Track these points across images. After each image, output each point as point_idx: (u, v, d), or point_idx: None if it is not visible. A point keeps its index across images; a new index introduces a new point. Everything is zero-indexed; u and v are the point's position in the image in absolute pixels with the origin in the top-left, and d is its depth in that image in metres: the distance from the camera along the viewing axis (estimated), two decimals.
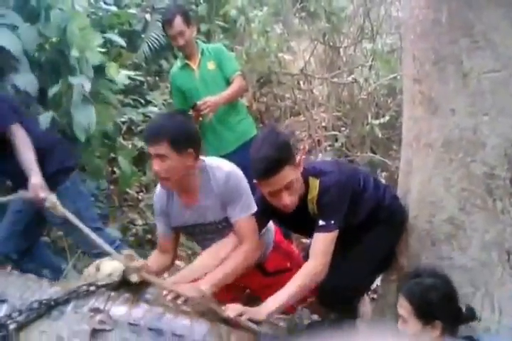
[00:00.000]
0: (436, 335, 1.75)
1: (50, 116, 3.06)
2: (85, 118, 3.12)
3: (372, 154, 4.39)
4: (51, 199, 2.39)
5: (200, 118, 3.40)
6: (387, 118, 4.26)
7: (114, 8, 4.68)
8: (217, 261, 2.14)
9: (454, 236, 2.05)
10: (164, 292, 1.92)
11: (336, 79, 5.12)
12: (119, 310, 1.76)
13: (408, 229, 2.26)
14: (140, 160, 4.30)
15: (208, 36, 5.58)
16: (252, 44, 4.95)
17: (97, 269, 1.92)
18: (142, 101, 5.20)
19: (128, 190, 4.32)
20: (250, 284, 2.45)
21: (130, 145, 4.47)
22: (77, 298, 1.79)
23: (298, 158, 2.12)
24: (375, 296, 2.77)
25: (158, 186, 2.27)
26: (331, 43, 5.22)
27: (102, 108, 3.50)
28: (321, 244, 2.10)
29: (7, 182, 3.12)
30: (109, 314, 1.74)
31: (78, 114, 3.10)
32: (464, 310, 1.82)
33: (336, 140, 4.77)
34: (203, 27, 5.54)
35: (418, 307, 1.76)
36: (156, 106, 5.19)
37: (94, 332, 1.69)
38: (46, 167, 2.62)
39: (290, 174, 2.02)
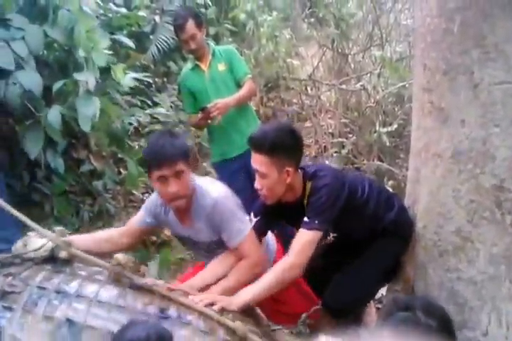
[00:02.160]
0: None
1: (58, 110, 3.06)
2: (89, 110, 3.14)
3: (379, 162, 4.37)
4: None
5: (209, 121, 3.39)
6: (394, 126, 4.24)
7: (123, 10, 4.70)
8: (222, 273, 2.14)
9: (461, 248, 2.03)
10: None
11: (343, 86, 5.11)
12: (31, 275, 1.86)
13: (415, 240, 2.24)
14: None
15: (217, 39, 5.59)
16: (260, 48, 4.95)
17: (24, 245, 1.98)
18: (150, 102, 5.22)
19: (134, 190, 4.34)
20: None
21: (137, 147, 4.49)
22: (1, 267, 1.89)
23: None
24: (379, 306, 2.75)
25: (154, 195, 2.30)
26: (340, 49, 5.21)
27: (109, 106, 3.51)
28: (301, 240, 2.09)
29: None
30: (20, 278, 1.84)
31: (83, 107, 3.12)
32: None
33: (343, 147, 4.75)
34: (212, 30, 5.57)
35: None
36: (163, 107, 5.20)
37: (5, 293, 1.79)
38: None
39: (262, 164, 2.08)
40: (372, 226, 2.28)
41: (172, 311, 1.80)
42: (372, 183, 2.42)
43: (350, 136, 4.96)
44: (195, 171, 4.78)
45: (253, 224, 2.26)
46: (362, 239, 2.28)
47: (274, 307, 2.32)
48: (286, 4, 5.40)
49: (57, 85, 3.11)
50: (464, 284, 2.02)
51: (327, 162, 4.46)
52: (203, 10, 5.56)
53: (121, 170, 4.33)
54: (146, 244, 3.83)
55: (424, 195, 2.20)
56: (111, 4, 4.61)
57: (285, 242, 2.42)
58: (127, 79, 3.91)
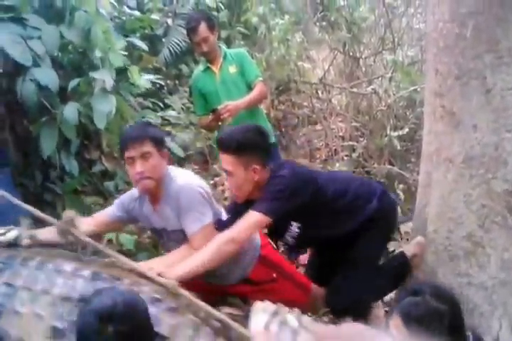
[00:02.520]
0: None
1: (75, 106, 3.09)
2: (105, 107, 3.16)
3: (389, 166, 4.36)
4: None
5: (220, 123, 3.40)
6: (406, 130, 4.22)
7: (137, 13, 4.74)
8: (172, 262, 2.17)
9: (472, 253, 2.03)
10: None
11: (354, 90, 5.10)
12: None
13: (426, 244, 2.24)
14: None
15: (228, 42, 5.61)
16: (272, 51, 4.96)
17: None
18: (161, 104, 5.24)
19: None
20: (239, 294, 2.47)
21: None
22: None
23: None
24: (387, 309, 2.75)
25: (132, 190, 2.41)
26: (351, 53, 5.20)
27: (123, 106, 3.53)
28: (247, 219, 2.11)
29: None
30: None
31: (98, 104, 3.14)
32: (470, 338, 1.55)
33: (354, 150, 4.74)
34: (224, 33, 5.59)
35: (413, 332, 1.47)
36: (174, 109, 5.23)
37: None
38: None
39: (229, 163, 2.16)
40: (354, 218, 2.31)
41: (105, 275, 1.89)
42: (350, 179, 2.50)
43: (361, 139, 4.95)
44: (205, 173, 4.82)
45: (225, 220, 2.34)
46: (347, 231, 2.31)
47: (250, 289, 2.38)
48: (298, 8, 5.40)
49: (72, 83, 3.14)
50: (474, 289, 2.02)
51: (337, 165, 4.45)
52: (215, 13, 5.58)
53: None
54: (156, 245, 3.85)
55: (435, 200, 2.21)
56: (125, 7, 4.65)
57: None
58: (143, 80, 3.94)
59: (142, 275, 1.92)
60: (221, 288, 2.40)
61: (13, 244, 2.17)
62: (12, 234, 2.19)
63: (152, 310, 1.79)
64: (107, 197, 3.95)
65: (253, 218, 2.11)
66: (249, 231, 2.13)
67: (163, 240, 2.46)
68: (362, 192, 2.35)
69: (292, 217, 2.27)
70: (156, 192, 2.29)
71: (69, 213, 2.13)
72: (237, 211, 2.31)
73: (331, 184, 2.32)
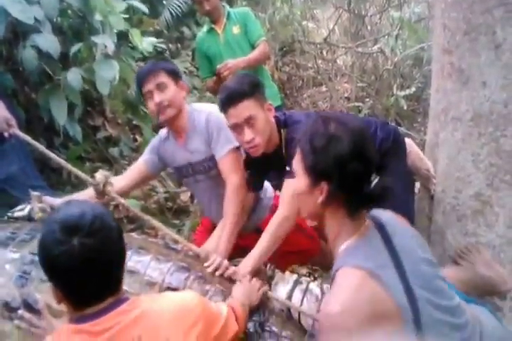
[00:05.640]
0: (320, 201, 1.35)
1: (77, 72, 3.04)
2: (108, 73, 3.12)
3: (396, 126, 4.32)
4: None
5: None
6: (412, 89, 4.17)
7: None
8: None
9: (480, 213, 2.01)
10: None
11: (360, 49, 5.01)
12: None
13: (434, 204, 2.23)
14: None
15: (231, 2, 5.48)
16: (275, 11, 4.85)
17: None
18: None
19: None
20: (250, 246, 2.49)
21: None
22: None
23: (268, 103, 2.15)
24: None
25: (160, 132, 2.53)
26: (356, 11, 5.09)
27: (126, 71, 3.48)
28: (287, 190, 2.10)
29: None
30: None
31: (101, 70, 3.10)
32: (372, 186, 1.36)
33: (360, 111, 4.69)
34: None
35: (305, 161, 1.36)
36: None
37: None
38: None
39: (250, 108, 2.05)
40: None
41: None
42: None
43: (367, 100, 4.89)
44: None
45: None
46: None
47: (279, 249, 2.39)
48: None
49: (74, 48, 3.09)
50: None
51: None
52: None
53: (137, 136, 4.34)
54: (162, 210, 3.87)
55: (442, 159, 2.18)
56: None
57: None
58: (145, 44, 3.88)
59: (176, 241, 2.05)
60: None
61: (30, 219, 2.20)
62: (26, 209, 2.24)
63: (181, 277, 1.88)
64: (112, 164, 3.96)
65: (290, 186, 2.07)
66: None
67: (187, 179, 2.53)
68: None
69: None
70: (179, 125, 2.38)
71: (102, 173, 2.18)
72: (251, 169, 2.34)
73: None
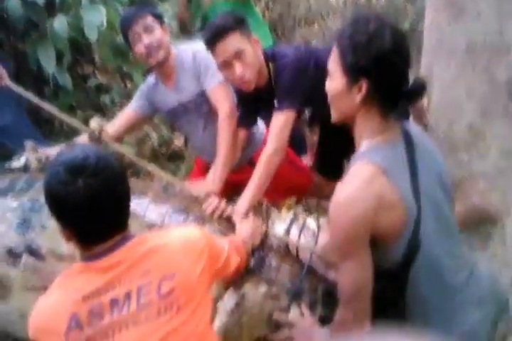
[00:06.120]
0: (359, 100, 1.34)
1: (64, 18, 2.97)
2: (96, 18, 3.06)
3: None
4: None
5: None
6: (406, 25, 4.08)
7: None
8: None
9: (473, 143, 2.02)
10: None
11: None
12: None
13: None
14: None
15: None
16: None
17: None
18: None
19: None
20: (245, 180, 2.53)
21: None
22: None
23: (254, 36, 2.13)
24: None
25: (147, 79, 2.58)
26: None
27: (113, 16, 3.39)
28: (277, 123, 2.10)
29: None
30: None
31: (88, 16, 3.04)
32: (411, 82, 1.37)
33: None
34: None
35: (345, 58, 1.33)
36: (165, 18, 5.01)
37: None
38: None
39: (237, 41, 2.04)
40: None
41: None
42: None
43: None
44: None
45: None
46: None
47: (272, 184, 2.43)
48: None
49: None
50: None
51: None
52: None
53: (128, 83, 4.28)
54: (157, 156, 3.88)
55: (436, 91, 2.16)
56: None
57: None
58: None
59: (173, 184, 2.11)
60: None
61: (27, 169, 2.22)
62: (22, 159, 2.25)
63: (180, 219, 1.93)
64: (104, 111, 3.93)
65: (281, 119, 2.09)
66: (285, 134, 2.11)
67: (180, 121, 2.59)
68: None
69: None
70: (168, 67, 2.42)
71: (96, 120, 2.19)
72: (243, 105, 2.34)
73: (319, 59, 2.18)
